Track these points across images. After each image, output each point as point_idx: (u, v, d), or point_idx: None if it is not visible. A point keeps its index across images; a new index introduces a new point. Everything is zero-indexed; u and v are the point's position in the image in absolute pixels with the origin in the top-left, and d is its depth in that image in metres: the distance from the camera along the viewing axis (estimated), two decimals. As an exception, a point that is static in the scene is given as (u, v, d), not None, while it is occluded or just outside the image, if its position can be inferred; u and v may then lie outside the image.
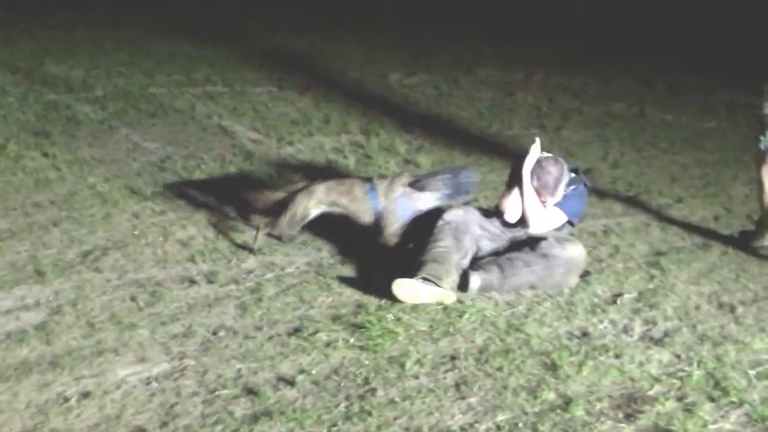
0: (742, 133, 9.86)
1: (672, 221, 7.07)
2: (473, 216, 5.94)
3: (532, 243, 5.82)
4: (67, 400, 4.36)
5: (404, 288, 5.36)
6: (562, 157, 6.05)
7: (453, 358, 4.86)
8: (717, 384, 4.65)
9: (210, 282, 5.71)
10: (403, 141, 8.98)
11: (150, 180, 7.56)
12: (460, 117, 10.26)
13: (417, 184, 6.13)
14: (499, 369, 4.74)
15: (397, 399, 4.43)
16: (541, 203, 5.89)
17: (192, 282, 5.71)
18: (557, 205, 5.97)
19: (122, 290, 5.56)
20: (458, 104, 10.85)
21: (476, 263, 5.76)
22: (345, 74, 12.20)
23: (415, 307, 5.36)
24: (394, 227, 6.08)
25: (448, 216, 5.89)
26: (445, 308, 5.38)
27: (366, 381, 4.60)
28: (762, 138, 6.46)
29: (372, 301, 5.47)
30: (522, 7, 17.05)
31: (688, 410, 4.40)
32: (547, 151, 6.07)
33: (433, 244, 5.73)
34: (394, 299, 5.38)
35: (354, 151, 8.57)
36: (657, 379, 4.69)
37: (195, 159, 8.21)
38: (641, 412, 4.37)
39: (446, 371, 4.72)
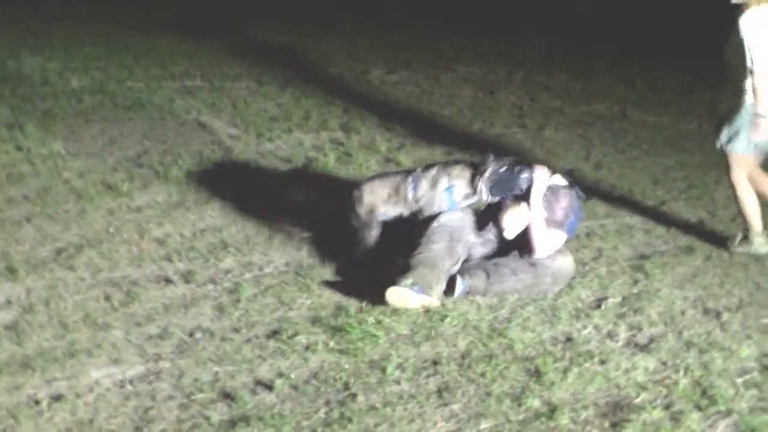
0: (724, 135, 9.79)
1: (655, 224, 6.97)
2: (469, 221, 5.82)
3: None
4: (38, 403, 4.25)
5: (396, 295, 5.25)
6: (544, 158, 5.96)
7: (435, 362, 4.76)
8: (704, 392, 4.55)
9: (187, 281, 5.60)
10: (384, 139, 8.87)
11: (126, 175, 7.43)
12: (441, 115, 10.16)
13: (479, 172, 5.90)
14: (482, 375, 4.63)
15: (377, 405, 4.33)
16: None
17: (168, 281, 5.60)
18: None
19: (96, 289, 5.44)
20: (439, 102, 10.75)
21: (463, 266, 5.65)
22: (325, 70, 12.09)
23: (396, 310, 5.25)
24: (426, 214, 5.85)
25: (444, 219, 5.75)
26: (427, 311, 5.28)
27: (346, 386, 4.50)
28: (719, 137, 6.38)
29: (352, 303, 5.37)
30: (504, 5, 16.95)
31: (675, 419, 4.31)
32: (531, 153, 5.93)
33: (426, 246, 5.60)
34: (374, 302, 5.29)
35: (334, 149, 8.46)
36: (643, 387, 4.59)
37: (172, 154, 8.10)
38: (628, 420, 4.27)
39: (428, 376, 4.62)
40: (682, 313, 5.49)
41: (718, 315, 5.48)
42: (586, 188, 7.40)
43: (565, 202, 5.81)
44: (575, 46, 14.19)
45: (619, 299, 5.62)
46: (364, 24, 15.64)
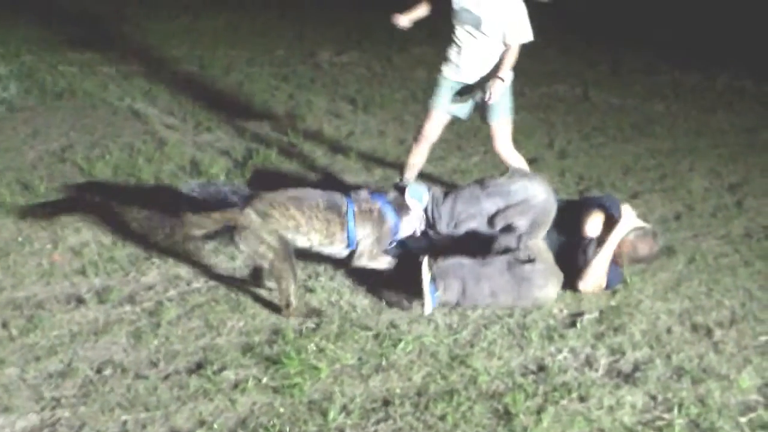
0: (694, 117, 9.26)
1: (630, 221, 6.35)
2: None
3: (514, 261, 5.06)
4: None
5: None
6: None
7: (386, 402, 4.10)
8: (703, 437, 3.92)
9: (101, 301, 4.89)
10: (332, 127, 8.23)
11: (45, 173, 6.72)
12: (394, 99, 9.47)
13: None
14: (442, 418, 3.98)
15: (316, 463, 3.65)
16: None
17: (80, 301, 4.89)
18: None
19: (-7, 314, 4.72)
20: (392, 85, 10.07)
21: (440, 267, 4.97)
22: (271, 52, 11.35)
23: (341, 335, 4.59)
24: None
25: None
26: (377, 336, 4.60)
27: (280, 437, 3.81)
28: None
29: (291, 325, 4.67)
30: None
31: (673, 476, 3.68)
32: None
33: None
34: (316, 325, 4.62)
35: (277, 139, 7.75)
36: (631, 431, 3.94)
37: (100, 147, 7.37)
38: (616, 479, 3.64)
39: (378, 421, 3.97)
40: (669, 330, 4.87)
41: (709, 332, 4.88)
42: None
43: (645, 252, 5.40)
44: (532, 25, 13.50)
45: (596, 315, 5.00)
46: (312, 1, 14.86)
